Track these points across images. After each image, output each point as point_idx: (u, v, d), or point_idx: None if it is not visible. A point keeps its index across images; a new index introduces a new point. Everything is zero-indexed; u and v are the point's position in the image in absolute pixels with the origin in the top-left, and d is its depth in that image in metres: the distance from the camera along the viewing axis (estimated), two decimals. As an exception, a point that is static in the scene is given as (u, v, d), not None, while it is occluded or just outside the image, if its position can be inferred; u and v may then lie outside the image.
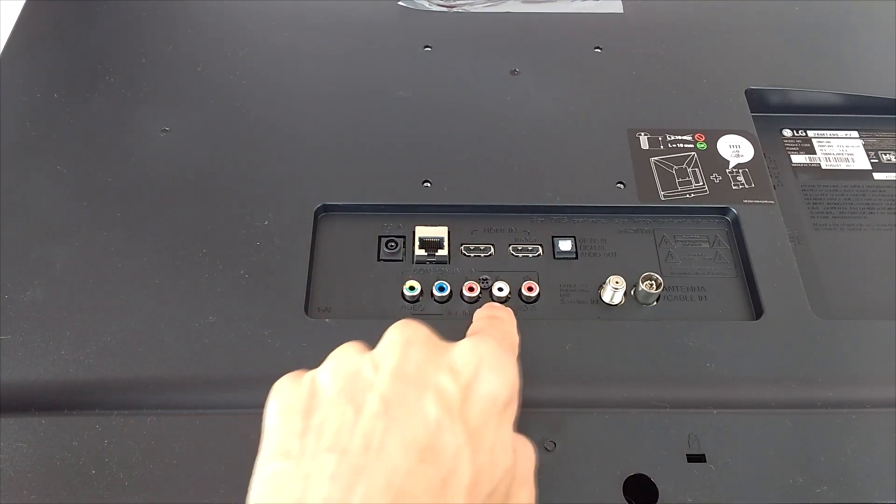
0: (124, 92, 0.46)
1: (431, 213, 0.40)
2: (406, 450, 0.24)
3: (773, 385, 0.34)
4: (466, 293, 0.37)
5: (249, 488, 0.25)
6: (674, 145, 0.43)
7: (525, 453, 0.28)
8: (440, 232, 0.39)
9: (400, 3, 0.52)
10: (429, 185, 0.41)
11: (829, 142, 0.46)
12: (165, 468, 0.31)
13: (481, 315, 0.33)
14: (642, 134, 0.44)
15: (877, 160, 0.45)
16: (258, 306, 0.36)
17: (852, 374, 0.35)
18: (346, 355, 0.27)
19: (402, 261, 0.39)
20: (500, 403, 0.26)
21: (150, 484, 0.31)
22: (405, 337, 0.27)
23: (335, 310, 0.37)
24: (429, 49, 0.49)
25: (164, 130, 0.44)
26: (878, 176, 0.45)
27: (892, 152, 0.46)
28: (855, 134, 0.47)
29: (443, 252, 0.39)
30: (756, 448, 0.32)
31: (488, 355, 0.27)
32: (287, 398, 0.27)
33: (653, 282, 0.37)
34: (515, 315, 0.37)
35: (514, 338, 0.32)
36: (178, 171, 0.42)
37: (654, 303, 0.38)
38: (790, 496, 0.31)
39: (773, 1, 0.53)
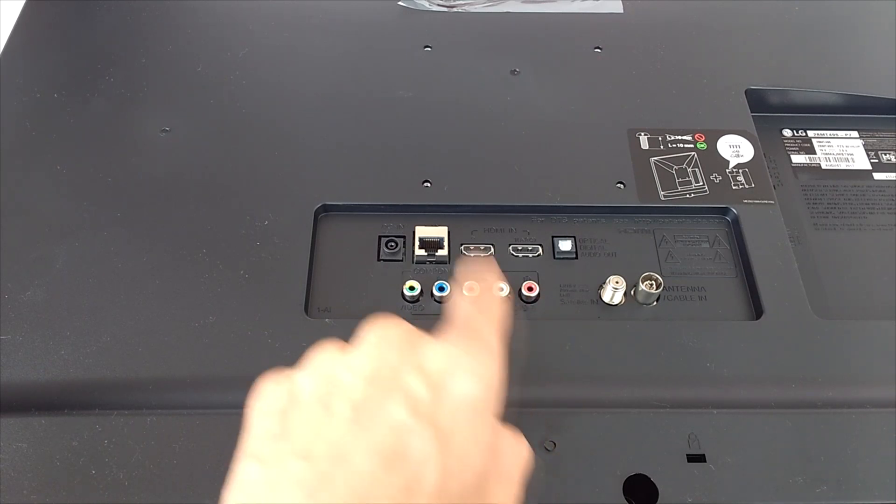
0: (124, 92, 0.46)
1: (431, 213, 0.40)
2: (371, 456, 0.24)
3: (773, 385, 0.34)
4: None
5: (227, 483, 0.26)
6: (674, 145, 0.43)
7: (512, 453, 0.27)
8: (440, 232, 0.39)
9: (400, 3, 0.52)
10: (429, 185, 0.41)
11: (829, 142, 0.46)
12: (165, 468, 0.31)
13: (463, 296, 0.30)
14: (642, 134, 0.44)
15: (877, 160, 0.45)
16: (258, 306, 0.36)
17: (852, 374, 0.35)
18: (326, 358, 0.28)
19: (402, 261, 0.39)
20: (473, 404, 0.26)
21: (150, 484, 0.31)
22: (381, 338, 0.27)
23: (335, 310, 0.37)
24: (429, 49, 0.49)
25: (164, 130, 0.44)
26: (878, 176, 0.45)
27: (892, 152, 0.46)
28: (855, 134, 0.47)
29: (443, 252, 0.39)
30: (756, 448, 0.32)
31: (461, 356, 0.27)
32: (267, 400, 0.27)
33: (653, 282, 0.37)
34: (514, 314, 0.37)
35: (501, 313, 0.30)
36: (178, 171, 0.42)
37: (654, 303, 0.38)
38: (790, 496, 0.31)
39: (773, 1, 0.53)
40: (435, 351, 0.27)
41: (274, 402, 0.27)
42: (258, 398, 0.27)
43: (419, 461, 0.24)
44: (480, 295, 0.30)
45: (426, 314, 0.37)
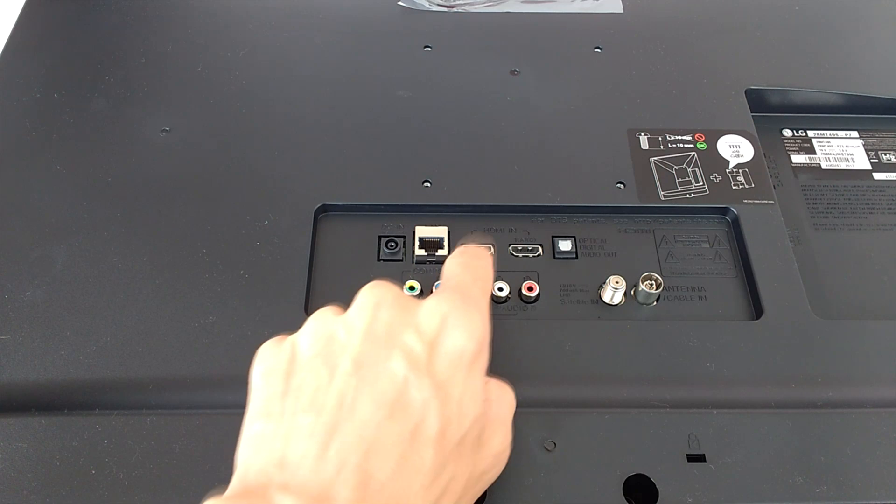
0: (124, 92, 0.46)
1: (431, 213, 0.40)
2: (376, 406, 0.25)
3: (773, 385, 0.34)
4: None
5: (238, 445, 0.27)
6: (674, 145, 0.43)
7: (501, 399, 0.29)
8: (440, 232, 0.39)
9: (400, 3, 0.52)
10: (429, 185, 0.41)
11: (829, 142, 0.46)
12: (165, 468, 0.31)
13: (453, 262, 0.33)
14: (642, 134, 0.44)
15: (877, 160, 0.45)
16: (258, 306, 0.36)
17: (852, 374, 0.35)
18: (323, 319, 0.29)
19: (402, 261, 0.39)
20: (466, 357, 0.28)
21: (150, 484, 0.31)
22: (375, 299, 0.28)
23: (335, 310, 0.37)
24: (429, 49, 0.49)
25: (164, 130, 0.44)
26: (878, 176, 0.45)
27: (892, 152, 0.46)
28: (855, 134, 0.47)
29: (443, 252, 0.39)
30: (756, 448, 0.32)
31: (452, 312, 0.28)
32: (269, 361, 0.28)
33: (653, 282, 0.37)
34: (514, 314, 0.37)
35: (488, 277, 0.32)
36: (178, 171, 0.42)
37: (654, 303, 0.38)
38: (790, 496, 0.31)
39: (773, 1, 0.53)
40: (427, 309, 0.28)
41: (276, 364, 0.28)
42: (261, 361, 0.29)
43: (420, 409, 0.26)
44: (468, 258, 0.32)
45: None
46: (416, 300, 0.29)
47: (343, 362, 0.27)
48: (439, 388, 0.26)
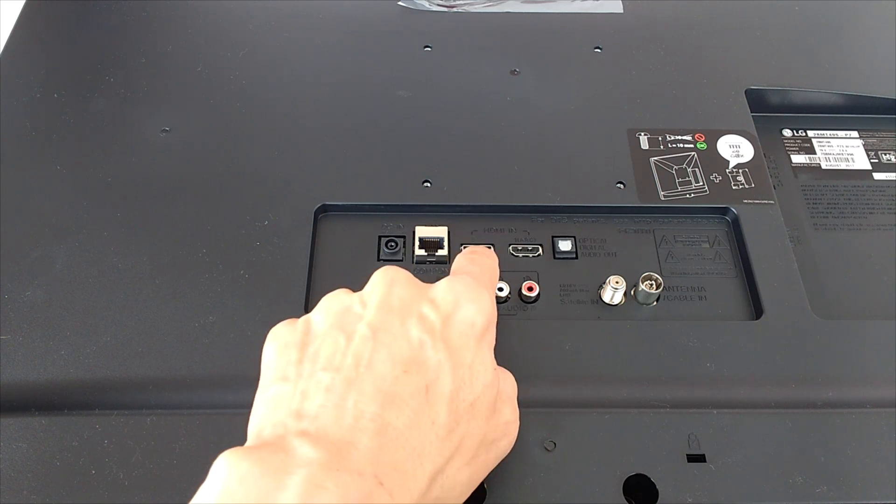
0: (124, 92, 0.46)
1: (431, 213, 0.40)
2: (393, 363, 0.27)
3: (773, 385, 0.34)
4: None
5: (250, 417, 0.27)
6: (674, 145, 0.43)
7: (507, 379, 0.31)
8: (440, 232, 0.39)
9: (400, 3, 0.52)
10: (429, 185, 0.41)
11: (829, 142, 0.46)
12: (165, 468, 0.31)
13: (461, 256, 0.35)
14: (642, 134, 0.44)
15: (877, 160, 0.45)
16: (258, 306, 0.36)
17: (852, 374, 0.35)
18: (336, 297, 0.30)
19: (402, 261, 0.39)
20: (477, 329, 0.29)
21: (150, 484, 0.31)
22: (389, 277, 0.30)
23: (335, 310, 0.37)
24: (429, 49, 0.49)
25: (164, 130, 0.44)
26: (878, 176, 0.45)
27: (892, 152, 0.46)
28: (855, 134, 0.47)
29: (443, 252, 0.39)
30: (756, 448, 0.32)
31: (464, 289, 0.29)
32: (284, 337, 0.29)
33: (653, 282, 0.37)
34: (514, 314, 0.37)
35: (494, 271, 0.34)
36: (178, 171, 0.42)
37: (654, 303, 0.38)
38: (790, 496, 0.31)
39: (773, 1, 0.53)
40: (439, 288, 0.30)
41: (291, 338, 0.29)
42: (273, 338, 0.29)
43: (434, 368, 0.27)
44: (475, 254, 0.34)
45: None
46: (426, 284, 0.30)
47: (360, 328, 0.27)
48: (452, 353, 0.27)
